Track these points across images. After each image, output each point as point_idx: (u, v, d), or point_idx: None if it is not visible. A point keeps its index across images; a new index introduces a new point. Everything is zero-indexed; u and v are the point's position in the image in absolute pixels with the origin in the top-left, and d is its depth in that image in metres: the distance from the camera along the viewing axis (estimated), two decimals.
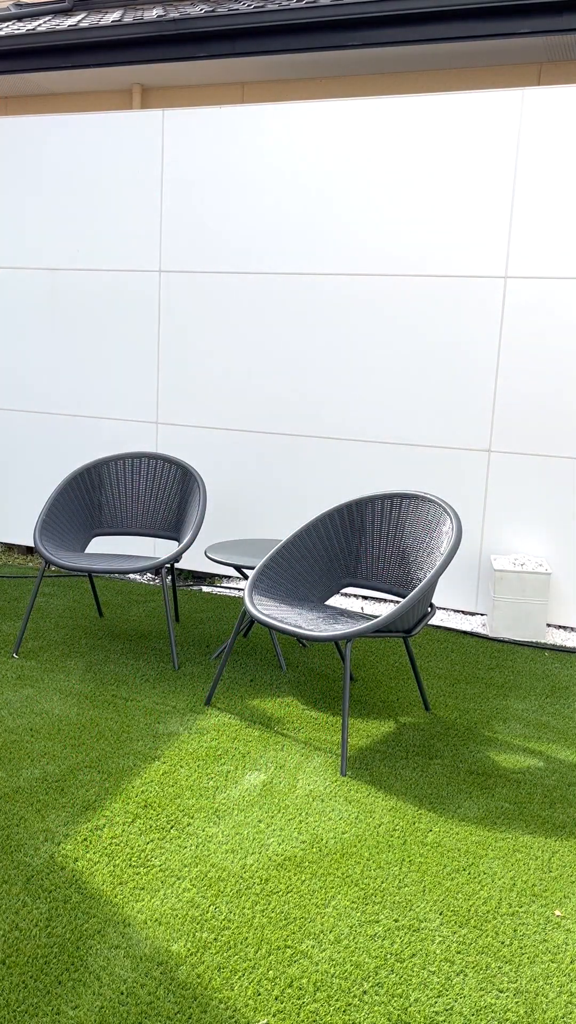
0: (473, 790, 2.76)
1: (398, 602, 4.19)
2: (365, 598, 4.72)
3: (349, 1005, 1.85)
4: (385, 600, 4.67)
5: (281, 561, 3.39)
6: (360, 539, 3.49)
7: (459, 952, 2.02)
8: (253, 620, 3.04)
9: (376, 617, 2.95)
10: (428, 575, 2.96)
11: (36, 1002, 1.83)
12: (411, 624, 3.04)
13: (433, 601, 4.48)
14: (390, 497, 3.43)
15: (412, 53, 5.40)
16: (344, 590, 4.78)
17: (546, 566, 4.18)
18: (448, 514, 3.17)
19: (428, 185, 4.24)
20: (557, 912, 2.18)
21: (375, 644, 4.06)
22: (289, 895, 2.20)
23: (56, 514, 3.93)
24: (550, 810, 2.65)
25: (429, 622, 4.35)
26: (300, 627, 2.93)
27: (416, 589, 2.92)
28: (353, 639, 3.01)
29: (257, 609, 3.07)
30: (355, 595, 4.75)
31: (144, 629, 4.13)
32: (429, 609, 3.16)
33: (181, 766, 2.83)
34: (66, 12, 6.47)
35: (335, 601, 4.67)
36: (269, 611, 3.08)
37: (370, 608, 4.57)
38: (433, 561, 3.18)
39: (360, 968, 1.96)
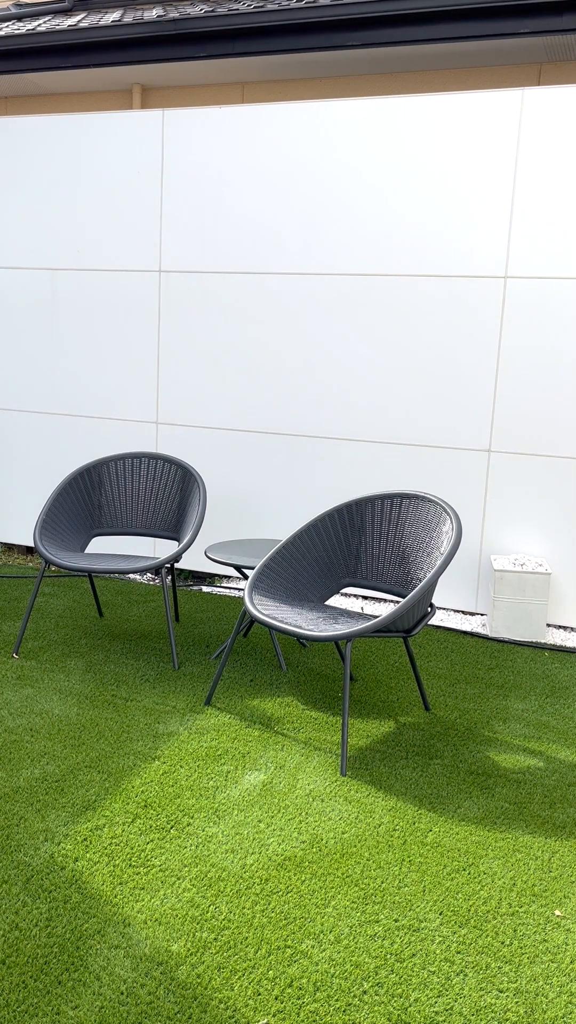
0: (473, 790, 2.76)
1: (398, 602, 4.19)
2: (365, 598, 4.72)
3: (349, 1005, 1.85)
4: (385, 600, 4.67)
5: (281, 561, 3.39)
6: (360, 539, 3.49)
7: (459, 952, 2.02)
8: (253, 620, 3.04)
9: (376, 617, 2.95)
10: (428, 575, 2.96)
11: (36, 1002, 1.83)
12: (411, 624, 3.05)
13: (433, 601, 4.48)
14: (390, 497, 3.43)
15: (412, 53, 5.40)
16: (344, 590, 4.78)
17: (546, 566, 4.18)
18: (448, 514, 3.17)
19: (428, 185, 4.24)
20: (557, 912, 2.18)
21: (375, 644, 4.06)
22: (289, 895, 2.20)
23: (56, 514, 3.93)
24: (550, 810, 2.65)
25: (429, 622, 4.34)
26: (300, 627, 2.93)
27: (416, 589, 2.93)
28: (353, 639, 3.01)
29: (257, 609, 3.07)
30: (355, 595, 4.75)
31: (144, 629, 4.13)
32: (429, 609, 3.16)
33: (181, 766, 2.83)
34: (66, 12, 6.47)
35: (335, 601, 4.67)
36: (269, 611, 3.08)
37: (370, 608, 4.57)
38: (433, 561, 3.17)
39: (360, 968, 1.96)
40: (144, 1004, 1.83)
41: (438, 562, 2.99)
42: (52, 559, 3.60)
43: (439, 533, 3.21)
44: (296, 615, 3.10)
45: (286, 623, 2.96)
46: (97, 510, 4.14)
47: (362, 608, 4.57)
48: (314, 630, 2.91)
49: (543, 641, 4.15)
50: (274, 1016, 1.82)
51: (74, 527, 4.01)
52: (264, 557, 3.56)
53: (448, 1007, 1.86)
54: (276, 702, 3.35)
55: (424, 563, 3.26)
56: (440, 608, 4.56)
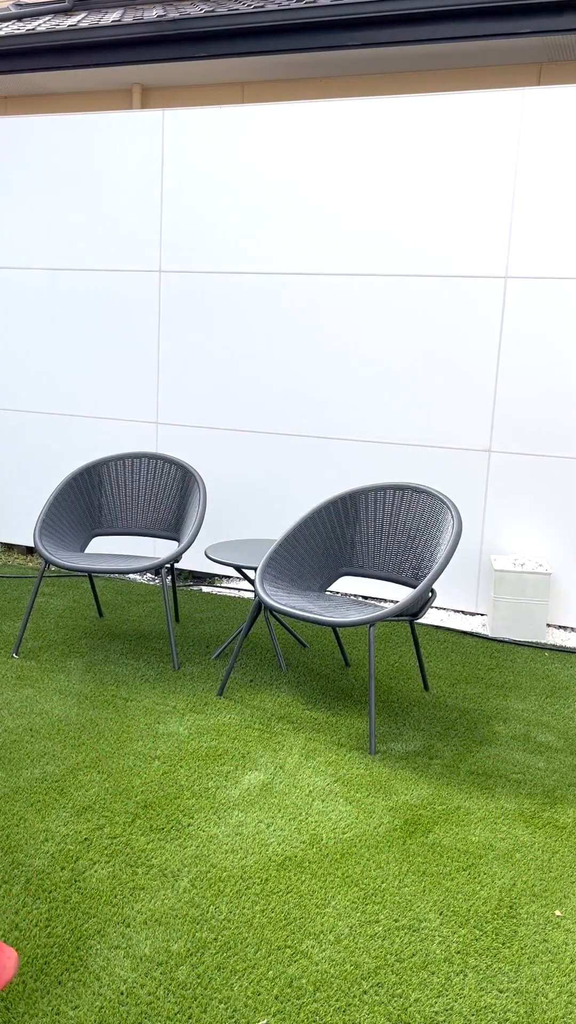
0: (473, 790, 2.76)
1: (394, 587, 4.20)
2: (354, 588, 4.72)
3: (349, 1005, 1.85)
4: (374, 588, 4.67)
5: (284, 553, 3.47)
6: (355, 529, 3.61)
7: (459, 952, 2.02)
8: (271, 610, 3.10)
9: (379, 603, 2.96)
10: (439, 559, 3.07)
11: (36, 1002, 1.83)
12: (419, 607, 3.14)
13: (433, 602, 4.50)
14: (382, 488, 3.56)
15: (412, 53, 5.40)
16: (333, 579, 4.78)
17: (546, 566, 4.18)
18: (445, 504, 3.27)
19: (428, 185, 4.23)
20: (557, 912, 2.18)
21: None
22: (289, 895, 2.20)
23: (56, 514, 3.93)
24: (550, 810, 2.65)
25: (428, 620, 4.36)
26: (320, 615, 3.00)
27: (431, 572, 3.04)
28: (376, 623, 3.08)
29: (272, 599, 3.12)
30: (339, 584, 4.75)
31: (144, 629, 4.13)
32: (431, 593, 3.22)
33: (181, 766, 2.83)
34: (66, 12, 6.47)
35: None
36: (283, 600, 3.16)
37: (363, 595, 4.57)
38: (434, 546, 3.28)
39: (360, 968, 1.96)
40: (144, 1004, 1.83)
41: (447, 545, 3.10)
42: (52, 559, 3.60)
43: (434, 520, 3.33)
44: (308, 603, 3.19)
45: (306, 611, 3.03)
46: (97, 510, 4.14)
47: (355, 597, 4.57)
48: (335, 616, 2.98)
49: (543, 641, 4.15)
50: (274, 1016, 1.82)
51: (74, 527, 4.01)
52: (268, 550, 3.62)
53: (448, 1007, 1.86)
54: (276, 702, 3.35)
55: (421, 548, 3.37)
56: (441, 608, 4.56)
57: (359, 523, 3.58)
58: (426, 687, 3.52)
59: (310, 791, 2.70)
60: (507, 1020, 1.83)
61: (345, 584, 4.70)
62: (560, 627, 4.37)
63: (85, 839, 2.41)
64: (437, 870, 2.33)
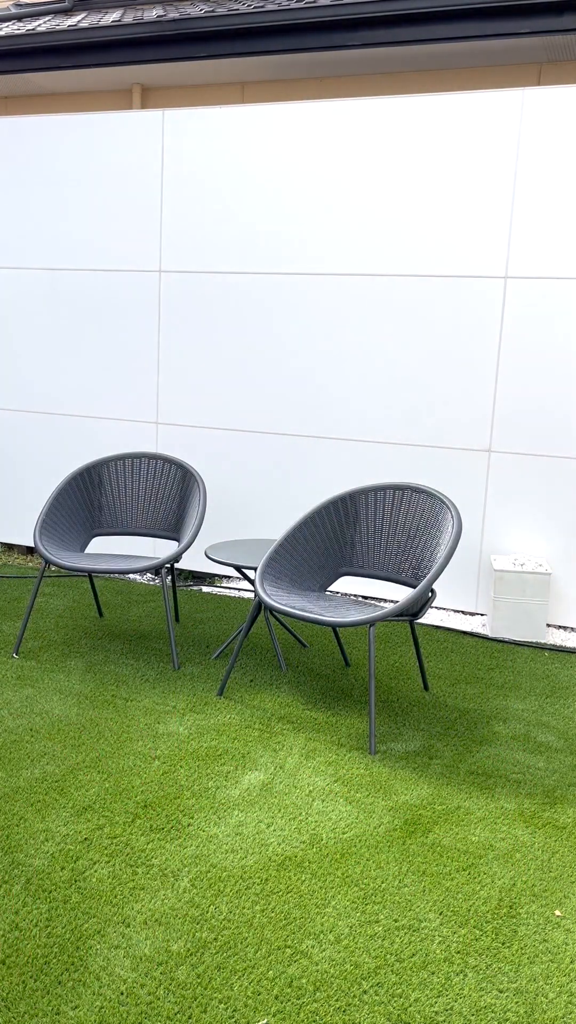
0: (473, 790, 2.76)
1: (394, 587, 4.20)
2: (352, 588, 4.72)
3: (349, 1005, 1.85)
4: (374, 587, 4.67)
5: (284, 553, 3.47)
6: (355, 529, 3.61)
7: (459, 952, 2.02)
8: (271, 610, 3.10)
9: (379, 603, 2.97)
10: (438, 559, 3.06)
11: (36, 1002, 1.83)
12: (419, 607, 3.14)
13: (433, 602, 4.50)
14: (382, 488, 3.57)
15: (412, 53, 5.40)
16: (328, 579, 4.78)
17: (546, 566, 4.18)
18: (445, 504, 3.26)
19: (428, 185, 4.24)
20: (557, 912, 2.18)
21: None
22: (289, 895, 2.20)
23: (56, 514, 3.93)
24: (550, 810, 2.65)
25: (427, 620, 4.35)
26: (321, 615, 3.01)
27: (431, 572, 3.04)
28: (376, 623, 3.08)
29: (272, 599, 3.12)
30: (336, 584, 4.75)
31: (144, 629, 4.13)
32: (431, 593, 3.22)
33: (181, 766, 2.83)
34: (66, 12, 6.47)
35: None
36: (283, 600, 3.16)
37: (360, 596, 4.57)
38: (434, 546, 3.28)
39: (360, 968, 1.96)
40: (144, 1004, 1.83)
41: (447, 545, 3.10)
42: (52, 559, 3.61)
43: (434, 520, 3.33)
44: (308, 603, 3.19)
45: (306, 611, 3.04)
46: (97, 510, 4.14)
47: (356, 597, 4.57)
48: (335, 616, 2.98)
49: (543, 641, 4.15)
50: (274, 1016, 1.82)
51: (74, 527, 4.01)
52: (268, 550, 3.62)
53: (448, 1007, 1.86)
54: (276, 702, 3.35)
55: (420, 549, 3.36)
56: (440, 608, 4.56)
57: (359, 523, 3.58)
58: (426, 687, 3.52)
59: (310, 791, 2.71)
60: (507, 1020, 1.83)
61: (345, 584, 4.70)
62: (560, 627, 4.37)
63: (85, 839, 2.41)
64: (437, 870, 2.33)
